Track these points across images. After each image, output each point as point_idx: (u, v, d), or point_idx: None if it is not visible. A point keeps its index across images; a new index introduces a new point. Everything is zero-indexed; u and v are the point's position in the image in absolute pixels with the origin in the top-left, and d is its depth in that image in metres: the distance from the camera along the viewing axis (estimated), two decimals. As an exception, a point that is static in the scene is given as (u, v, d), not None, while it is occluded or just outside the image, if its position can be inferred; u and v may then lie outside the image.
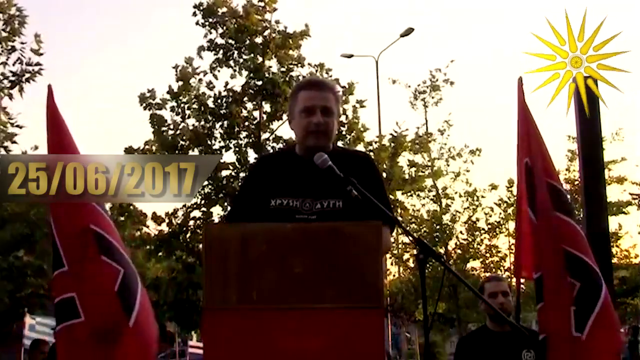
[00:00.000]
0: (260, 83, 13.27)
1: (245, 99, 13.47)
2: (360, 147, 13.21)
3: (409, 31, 19.89)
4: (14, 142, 11.36)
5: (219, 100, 13.48)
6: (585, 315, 3.45)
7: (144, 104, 13.34)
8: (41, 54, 11.23)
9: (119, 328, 3.32)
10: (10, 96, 11.09)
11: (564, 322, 3.46)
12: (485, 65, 58.49)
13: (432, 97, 17.11)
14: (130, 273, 3.46)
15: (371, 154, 13.26)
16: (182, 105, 13.39)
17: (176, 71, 13.40)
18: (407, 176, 14.58)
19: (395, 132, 14.04)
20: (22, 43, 11.25)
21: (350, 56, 20.42)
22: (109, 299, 3.35)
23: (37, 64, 11.16)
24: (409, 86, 17.36)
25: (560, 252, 3.53)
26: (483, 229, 17.57)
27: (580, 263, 3.51)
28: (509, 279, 12.15)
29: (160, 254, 13.73)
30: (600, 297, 3.46)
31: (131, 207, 13.17)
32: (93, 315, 3.34)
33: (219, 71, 13.50)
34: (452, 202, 17.14)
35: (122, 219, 12.99)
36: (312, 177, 2.86)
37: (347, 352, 2.35)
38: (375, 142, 13.99)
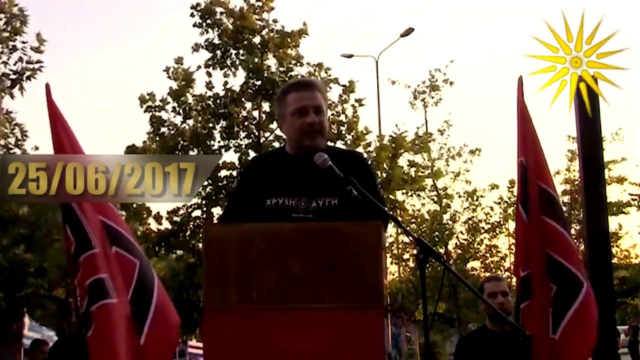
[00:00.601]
0: (259, 83, 13.29)
1: (244, 99, 13.49)
2: (359, 148, 13.22)
3: (409, 31, 19.89)
4: (21, 147, 11.45)
5: (218, 101, 13.50)
6: (560, 317, 3.50)
7: (144, 106, 13.39)
8: (42, 52, 11.25)
9: (133, 342, 3.32)
10: (12, 95, 11.11)
11: (544, 323, 3.51)
12: (485, 65, 58.52)
13: (432, 97, 17.14)
14: (145, 265, 3.46)
15: (371, 154, 13.30)
16: (183, 105, 13.43)
17: (168, 73, 13.47)
18: (407, 176, 14.58)
19: (395, 133, 14.06)
20: (23, 42, 11.27)
21: (350, 56, 20.43)
22: (126, 299, 3.35)
23: (38, 61, 11.17)
24: (409, 86, 17.39)
25: (543, 255, 3.58)
26: (483, 229, 17.60)
27: (560, 268, 3.55)
28: (509, 279, 12.17)
29: (161, 251, 13.76)
30: (576, 299, 3.50)
31: (133, 204, 13.19)
32: (122, 298, 3.34)
33: (215, 70, 13.54)
34: (451, 202, 17.18)
35: (123, 218, 13.00)
36: (306, 176, 2.87)
37: (347, 352, 2.35)
38: (377, 141, 14.02)
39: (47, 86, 3.60)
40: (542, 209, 3.64)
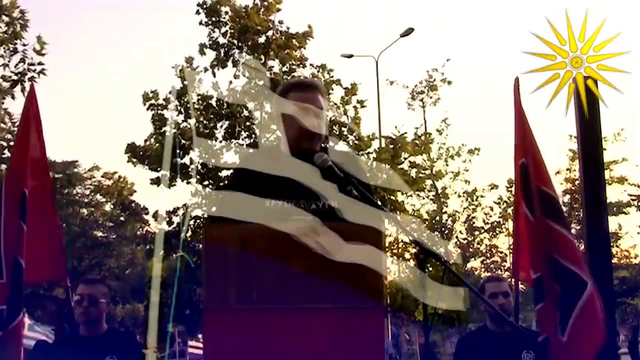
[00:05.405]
0: (261, 83, 13.29)
1: (247, 99, 13.50)
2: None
3: (409, 31, 19.88)
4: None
5: (220, 100, 13.51)
6: (567, 318, 3.52)
7: (147, 105, 13.40)
8: (44, 54, 11.23)
9: None
10: (13, 96, 11.10)
11: (554, 324, 3.53)
12: (485, 64, 58.46)
13: (430, 97, 17.12)
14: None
15: (371, 155, 13.32)
16: (185, 104, 13.43)
17: (176, 71, 13.46)
18: (407, 177, 14.58)
19: (394, 135, 14.09)
20: (24, 45, 11.26)
21: (350, 56, 20.42)
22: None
23: (40, 63, 11.16)
24: (407, 87, 17.37)
25: (548, 258, 3.60)
26: (482, 228, 17.62)
27: (564, 270, 3.56)
28: (509, 279, 12.16)
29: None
30: (581, 298, 3.51)
31: (133, 204, 13.21)
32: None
33: (218, 69, 13.54)
34: (451, 201, 17.19)
35: (123, 218, 13.01)
36: (305, 177, 2.86)
37: (347, 352, 2.35)
38: (385, 142, 14.03)
39: (32, 87, 3.82)
40: (544, 211, 3.66)
